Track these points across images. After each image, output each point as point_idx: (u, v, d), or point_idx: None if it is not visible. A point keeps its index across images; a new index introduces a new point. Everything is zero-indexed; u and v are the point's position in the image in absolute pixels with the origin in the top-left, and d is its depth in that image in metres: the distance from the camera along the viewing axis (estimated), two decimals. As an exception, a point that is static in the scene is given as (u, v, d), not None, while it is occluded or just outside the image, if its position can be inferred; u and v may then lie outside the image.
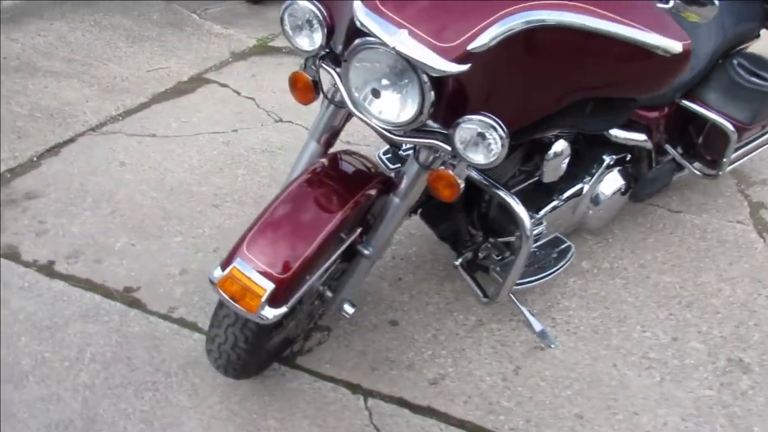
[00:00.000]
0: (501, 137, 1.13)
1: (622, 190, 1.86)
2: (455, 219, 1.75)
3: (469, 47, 1.10)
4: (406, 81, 1.16)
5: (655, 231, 2.21)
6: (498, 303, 1.67)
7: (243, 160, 2.66)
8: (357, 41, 1.16)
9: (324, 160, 1.45)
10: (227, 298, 1.26)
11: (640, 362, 1.74)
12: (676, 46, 1.13)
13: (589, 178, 1.80)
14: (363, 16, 1.12)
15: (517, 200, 1.43)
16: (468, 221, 1.75)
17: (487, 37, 1.09)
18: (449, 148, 1.22)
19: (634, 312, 1.89)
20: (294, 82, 1.42)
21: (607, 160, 1.81)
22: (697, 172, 2.06)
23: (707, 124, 1.92)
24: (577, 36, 1.15)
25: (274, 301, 1.25)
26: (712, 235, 2.19)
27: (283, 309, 1.28)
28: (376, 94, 1.22)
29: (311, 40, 1.29)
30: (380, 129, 1.27)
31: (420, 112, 1.17)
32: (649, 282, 2.00)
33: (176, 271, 2.06)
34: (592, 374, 1.71)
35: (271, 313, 1.26)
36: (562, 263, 1.78)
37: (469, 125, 1.15)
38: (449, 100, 1.18)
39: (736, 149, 1.96)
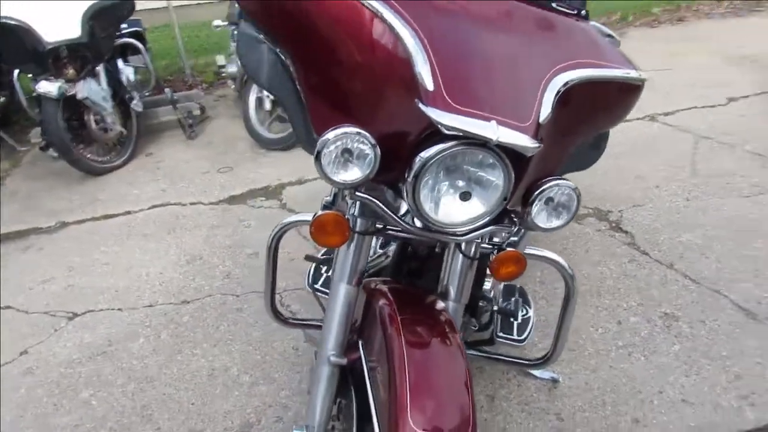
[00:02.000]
0: (576, 193, 1.17)
1: (522, 224, 2.06)
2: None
3: (540, 120, 1.12)
4: (486, 173, 1.11)
5: (521, 251, 2.50)
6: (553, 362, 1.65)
7: (75, 380, 2.02)
8: (437, 149, 1.05)
9: (384, 302, 1.25)
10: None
11: (620, 353, 1.95)
12: (643, 75, 1.36)
13: None
14: (449, 120, 1.03)
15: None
16: None
17: (548, 107, 1.13)
18: (513, 228, 1.21)
19: (575, 320, 2.11)
20: (322, 226, 1.19)
21: None
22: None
23: None
24: (593, 85, 1.27)
25: None
26: (554, 237, 2.59)
27: (477, 474, 1.07)
28: (465, 197, 1.13)
29: (362, 170, 1.12)
30: (448, 234, 1.17)
31: (504, 198, 1.13)
32: (558, 291, 2.26)
33: None
34: (606, 383, 1.84)
35: (469, 485, 1.04)
36: (531, 303, 1.88)
37: (548, 194, 1.16)
38: (521, 178, 1.18)
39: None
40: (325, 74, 1.17)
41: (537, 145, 1.04)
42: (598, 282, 2.30)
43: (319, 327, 1.74)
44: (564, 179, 1.15)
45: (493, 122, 1.03)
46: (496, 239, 1.36)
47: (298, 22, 1.17)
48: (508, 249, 1.24)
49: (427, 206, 1.09)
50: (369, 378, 1.18)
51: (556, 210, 1.18)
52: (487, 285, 1.77)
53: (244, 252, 2.69)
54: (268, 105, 3.81)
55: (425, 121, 1.02)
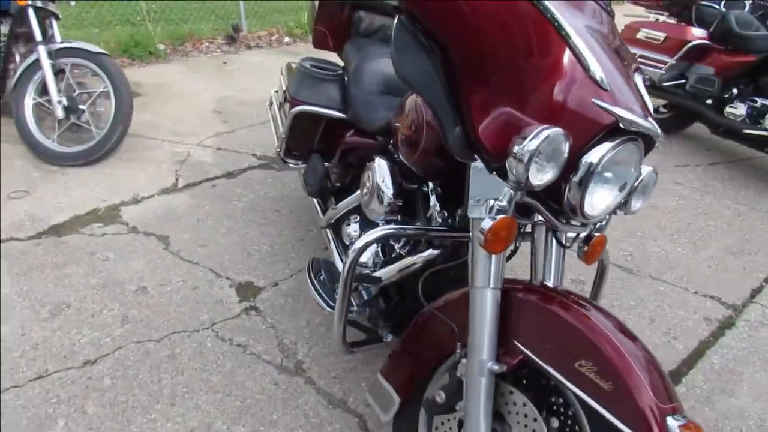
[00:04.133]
0: (656, 176, 1.36)
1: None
2: None
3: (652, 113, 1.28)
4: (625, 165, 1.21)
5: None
6: None
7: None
8: (607, 146, 1.09)
9: (543, 300, 1.23)
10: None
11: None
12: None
13: None
14: (629, 116, 1.10)
15: None
16: None
17: (650, 102, 1.30)
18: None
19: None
20: (497, 233, 1.13)
21: None
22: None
23: None
24: None
25: None
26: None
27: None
28: (623, 188, 1.21)
29: (555, 170, 1.10)
30: (582, 224, 1.25)
31: (635, 185, 1.25)
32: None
33: None
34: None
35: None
36: None
37: (645, 181, 1.30)
38: None
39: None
40: (496, 76, 1.13)
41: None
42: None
43: (379, 342, 1.61)
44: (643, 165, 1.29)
45: (649, 118, 1.15)
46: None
47: (471, 22, 1.11)
48: (597, 234, 1.35)
49: (588, 200, 1.14)
50: (566, 376, 1.13)
51: (641, 194, 1.32)
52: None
53: (125, 289, 2.20)
54: (60, 113, 3.11)
55: (595, 120, 1.07)
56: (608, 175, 1.13)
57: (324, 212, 2.19)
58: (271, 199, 2.93)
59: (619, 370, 1.08)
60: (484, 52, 1.11)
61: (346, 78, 2.20)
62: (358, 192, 1.95)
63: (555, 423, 1.18)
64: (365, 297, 1.70)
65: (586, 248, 1.37)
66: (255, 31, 5.98)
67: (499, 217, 1.12)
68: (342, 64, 2.43)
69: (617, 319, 1.21)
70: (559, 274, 1.36)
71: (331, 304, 1.65)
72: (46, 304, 2.10)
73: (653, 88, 3.68)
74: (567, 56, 1.10)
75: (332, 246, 2.04)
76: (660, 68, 3.62)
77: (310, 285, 1.71)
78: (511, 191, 1.13)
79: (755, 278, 2.50)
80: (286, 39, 6.05)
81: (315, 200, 2.30)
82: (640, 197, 1.25)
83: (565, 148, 1.07)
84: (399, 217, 1.67)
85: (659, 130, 1.14)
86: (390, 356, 1.47)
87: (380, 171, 1.64)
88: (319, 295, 1.67)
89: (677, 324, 2.22)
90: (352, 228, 1.97)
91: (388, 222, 1.72)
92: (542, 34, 1.10)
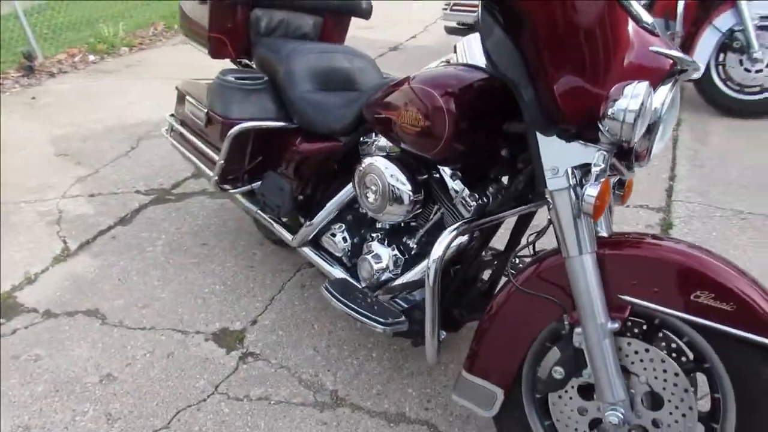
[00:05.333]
0: None
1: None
2: None
3: None
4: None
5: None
6: None
7: None
8: (667, 88, 1.17)
9: (612, 249, 1.26)
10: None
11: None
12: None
13: None
14: (684, 57, 1.18)
15: None
16: None
17: None
18: None
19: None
20: (603, 197, 1.15)
21: None
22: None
23: None
24: None
25: None
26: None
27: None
28: (676, 125, 1.28)
29: (644, 125, 1.13)
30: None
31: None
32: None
33: None
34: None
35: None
36: None
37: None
38: None
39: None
40: (567, 47, 1.12)
41: None
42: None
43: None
44: None
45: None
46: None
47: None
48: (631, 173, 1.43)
49: (657, 140, 1.20)
50: (686, 311, 1.17)
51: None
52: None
53: (86, 384, 1.84)
54: None
55: (658, 67, 1.14)
56: (665, 116, 1.17)
57: (290, 231, 2.02)
58: (189, 234, 2.63)
59: (736, 290, 1.14)
60: (557, 26, 1.09)
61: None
62: (336, 200, 1.84)
63: (683, 358, 1.22)
64: (406, 305, 1.62)
65: (620, 192, 1.46)
66: (52, 56, 5.23)
67: (601, 181, 1.13)
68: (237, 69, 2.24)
69: (695, 244, 1.27)
70: (609, 221, 1.39)
71: (385, 321, 1.53)
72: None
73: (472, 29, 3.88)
74: (617, 11, 1.13)
75: (320, 261, 1.89)
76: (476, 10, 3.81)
77: (353, 312, 1.57)
78: (605, 153, 1.14)
79: (662, 180, 2.81)
80: (92, 57, 5.38)
81: (270, 220, 2.10)
82: None
83: (652, 99, 1.10)
84: (420, 211, 1.60)
85: (700, 64, 1.21)
86: (473, 350, 1.41)
87: (387, 170, 1.54)
88: (369, 318, 1.55)
89: (629, 238, 2.43)
90: (340, 238, 1.85)
91: (409, 221, 1.64)
92: None
